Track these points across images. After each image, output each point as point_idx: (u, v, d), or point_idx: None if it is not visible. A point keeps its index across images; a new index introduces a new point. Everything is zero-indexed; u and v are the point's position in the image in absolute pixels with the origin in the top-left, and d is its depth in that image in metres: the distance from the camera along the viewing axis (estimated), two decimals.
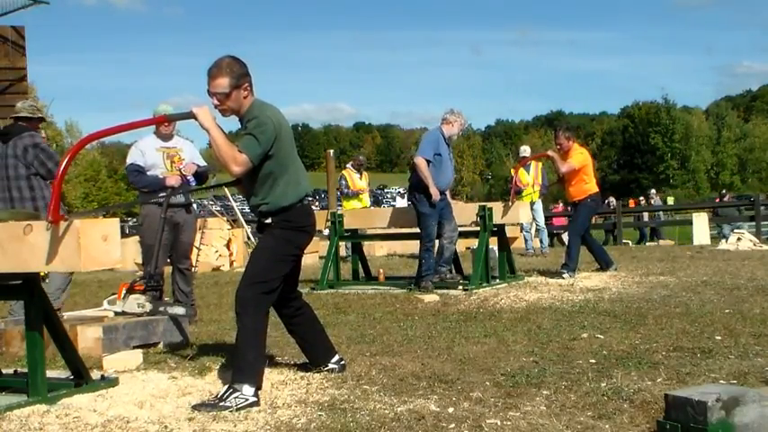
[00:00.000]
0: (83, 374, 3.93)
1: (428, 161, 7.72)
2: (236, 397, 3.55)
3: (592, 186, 8.87)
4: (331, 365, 4.19)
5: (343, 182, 13.17)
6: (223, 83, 3.78)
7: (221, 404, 3.52)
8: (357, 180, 13.11)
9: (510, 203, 8.44)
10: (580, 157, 8.79)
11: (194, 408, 3.52)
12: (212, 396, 3.68)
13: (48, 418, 3.41)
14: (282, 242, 3.88)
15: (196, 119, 3.72)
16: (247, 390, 3.59)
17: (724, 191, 34.67)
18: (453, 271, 8.72)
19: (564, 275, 8.39)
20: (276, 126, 3.80)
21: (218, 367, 4.34)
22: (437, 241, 7.86)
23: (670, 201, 40.61)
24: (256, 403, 3.57)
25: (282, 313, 4.20)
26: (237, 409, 3.48)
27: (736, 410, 2.72)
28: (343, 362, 4.26)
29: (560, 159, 8.81)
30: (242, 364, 3.70)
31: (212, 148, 3.81)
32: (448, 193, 8.17)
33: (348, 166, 13.56)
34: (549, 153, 9.21)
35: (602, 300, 6.71)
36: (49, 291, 6.39)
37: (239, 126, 3.91)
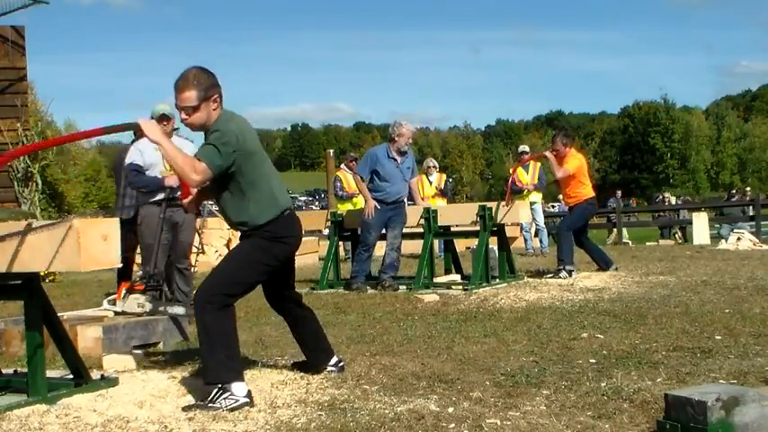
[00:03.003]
0: (83, 374, 3.92)
1: (362, 177, 8.18)
2: (227, 398, 3.50)
3: (588, 191, 8.94)
4: (329, 368, 4.16)
5: (338, 183, 13.03)
6: (191, 96, 3.65)
7: (210, 405, 3.48)
8: (352, 181, 13.03)
9: (507, 204, 8.44)
10: (576, 162, 8.85)
11: (184, 410, 3.48)
12: (203, 397, 3.62)
13: (48, 418, 3.41)
14: (257, 250, 3.77)
15: (141, 131, 3.56)
16: (237, 388, 3.53)
17: (734, 190, 34.42)
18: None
19: (561, 274, 8.38)
20: (240, 140, 3.65)
21: (203, 374, 4.32)
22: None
23: (674, 200, 40.73)
24: (248, 404, 3.51)
25: (283, 316, 4.19)
26: (229, 411, 3.44)
27: (736, 410, 2.72)
28: (341, 364, 4.21)
29: (557, 164, 8.85)
30: (213, 364, 3.58)
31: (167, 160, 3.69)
32: (408, 201, 8.59)
33: (342, 166, 13.50)
34: (547, 154, 9.23)
35: (602, 300, 6.71)
36: None
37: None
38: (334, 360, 4.21)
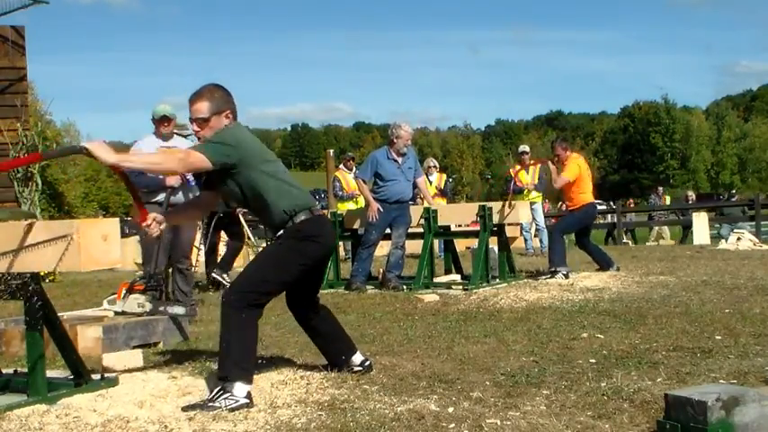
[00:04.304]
0: (83, 374, 3.92)
1: (364, 180, 8.40)
2: (227, 398, 3.49)
3: (586, 197, 8.99)
4: (356, 368, 4.09)
5: (338, 184, 13.06)
6: (202, 108, 3.70)
7: (210, 404, 3.48)
8: (351, 181, 13.05)
9: (508, 205, 8.43)
10: (575, 169, 8.91)
11: (184, 410, 3.48)
12: (203, 397, 3.63)
13: (48, 418, 3.41)
14: (287, 249, 3.77)
15: (90, 154, 3.44)
16: (238, 389, 3.51)
17: (734, 191, 34.08)
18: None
19: (557, 276, 8.33)
20: (241, 143, 3.67)
21: (217, 367, 4.33)
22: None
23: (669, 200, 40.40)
24: (248, 405, 3.49)
25: (300, 318, 4.16)
26: (228, 411, 3.43)
27: (736, 410, 2.72)
28: (368, 363, 4.14)
29: (555, 173, 8.98)
30: (227, 361, 3.59)
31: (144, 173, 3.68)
32: (424, 200, 8.94)
33: (340, 167, 13.53)
34: (550, 164, 9.41)
35: (602, 299, 6.71)
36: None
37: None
38: (359, 359, 4.14)
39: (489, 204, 8.34)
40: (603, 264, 9.03)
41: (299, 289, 4.03)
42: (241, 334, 3.62)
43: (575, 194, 8.91)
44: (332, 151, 16.88)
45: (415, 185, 8.64)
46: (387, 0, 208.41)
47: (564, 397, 3.51)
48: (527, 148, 13.46)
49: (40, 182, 11.60)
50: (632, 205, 30.79)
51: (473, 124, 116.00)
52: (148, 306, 5.30)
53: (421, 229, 8.38)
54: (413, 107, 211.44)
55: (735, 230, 14.68)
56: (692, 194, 25.96)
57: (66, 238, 3.25)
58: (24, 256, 3.38)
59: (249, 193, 3.74)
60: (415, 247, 9.46)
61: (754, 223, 17.05)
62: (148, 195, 6.34)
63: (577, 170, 8.92)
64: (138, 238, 6.78)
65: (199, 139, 3.82)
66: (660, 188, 24.91)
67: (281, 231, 3.79)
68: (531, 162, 12.64)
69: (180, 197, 6.33)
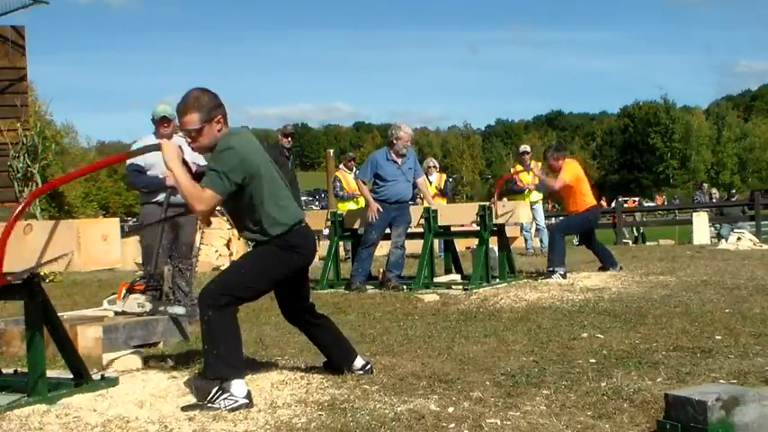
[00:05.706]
0: (83, 374, 3.92)
1: (363, 181, 8.45)
2: (226, 398, 3.49)
3: (589, 200, 8.88)
4: (357, 372, 4.09)
5: (338, 184, 13.04)
6: (193, 119, 3.63)
7: (209, 405, 3.48)
8: (351, 181, 13.03)
9: (494, 204, 8.39)
10: (571, 171, 8.82)
11: (184, 409, 3.48)
12: (202, 397, 3.62)
13: (48, 418, 3.41)
14: (271, 257, 3.76)
15: (160, 150, 3.55)
16: (237, 389, 3.51)
17: (733, 191, 33.75)
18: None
19: (554, 276, 8.30)
20: (246, 161, 3.62)
21: (205, 368, 4.32)
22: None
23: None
24: (248, 405, 3.49)
25: (300, 328, 4.17)
26: (228, 411, 3.43)
27: (736, 410, 2.72)
28: (369, 366, 4.14)
29: (550, 180, 8.94)
30: (217, 361, 3.57)
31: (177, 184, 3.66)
32: (424, 200, 8.99)
33: (341, 167, 13.53)
34: (539, 172, 9.52)
35: (602, 299, 6.71)
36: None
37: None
38: (360, 363, 4.13)
39: (489, 204, 8.34)
40: (607, 263, 9.00)
41: (286, 299, 4.03)
42: (226, 332, 3.60)
43: (577, 199, 8.80)
44: (332, 151, 16.86)
45: (415, 186, 8.64)
46: (387, 0, 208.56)
47: (564, 397, 3.51)
48: (528, 148, 13.43)
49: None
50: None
51: (473, 124, 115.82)
52: (148, 306, 5.30)
53: (421, 229, 8.38)
54: (413, 107, 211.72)
55: (735, 230, 14.67)
56: (715, 192, 25.54)
57: (66, 256, 3.25)
58: (24, 255, 3.38)
59: (245, 202, 3.71)
60: (415, 247, 9.46)
61: (754, 223, 17.05)
62: (148, 195, 6.34)
63: (574, 172, 8.86)
64: (138, 238, 6.76)
65: (193, 149, 3.79)
66: (705, 184, 24.15)
67: (259, 241, 3.77)
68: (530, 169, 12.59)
69: (180, 197, 6.31)
